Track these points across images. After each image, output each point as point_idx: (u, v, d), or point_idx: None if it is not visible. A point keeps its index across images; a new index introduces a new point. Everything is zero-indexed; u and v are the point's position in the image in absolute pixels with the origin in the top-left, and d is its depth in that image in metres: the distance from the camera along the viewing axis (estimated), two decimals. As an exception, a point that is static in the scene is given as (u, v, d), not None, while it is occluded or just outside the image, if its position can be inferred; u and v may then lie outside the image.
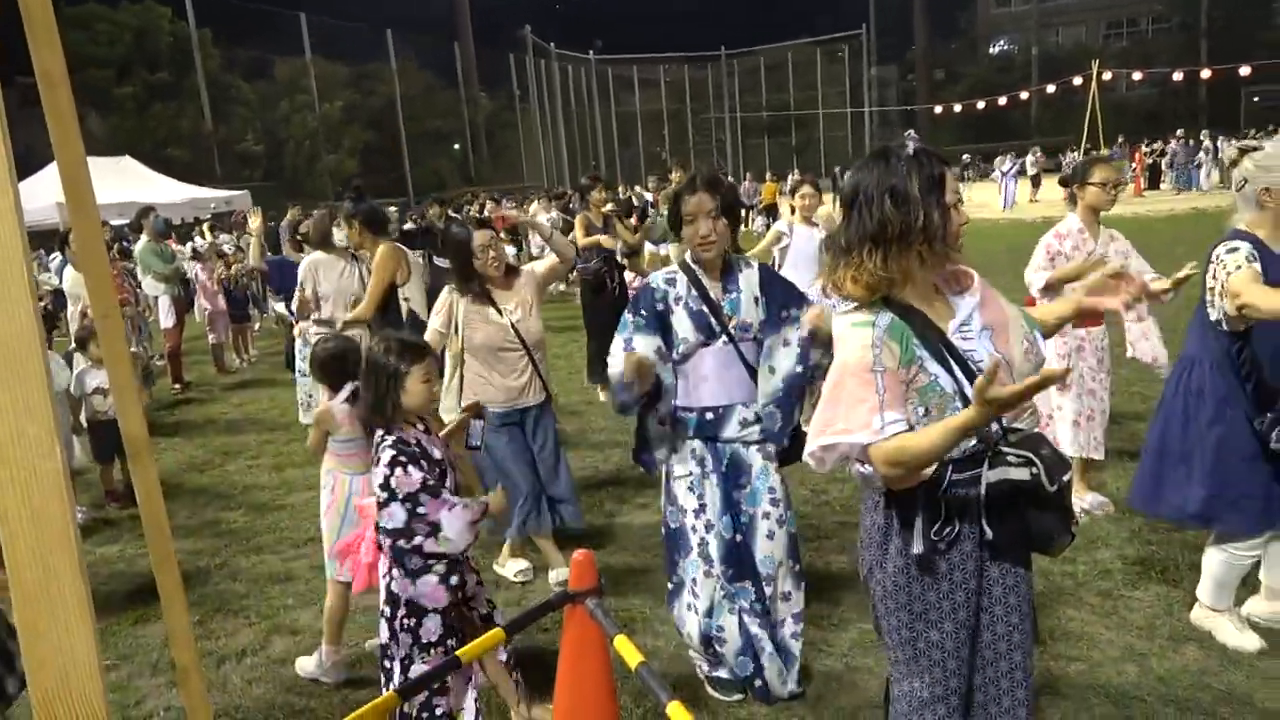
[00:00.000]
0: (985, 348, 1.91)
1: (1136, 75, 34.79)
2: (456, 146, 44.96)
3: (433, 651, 2.66)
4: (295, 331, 6.36)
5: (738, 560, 2.99)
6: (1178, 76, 32.45)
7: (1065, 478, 1.80)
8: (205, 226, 15.80)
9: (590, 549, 2.36)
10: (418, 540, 2.59)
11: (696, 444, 3.00)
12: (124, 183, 18.71)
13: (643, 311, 2.96)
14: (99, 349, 5.55)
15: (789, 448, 2.98)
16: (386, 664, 2.71)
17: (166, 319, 9.52)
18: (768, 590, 3.00)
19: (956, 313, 1.94)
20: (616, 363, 2.93)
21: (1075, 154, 27.86)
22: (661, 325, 2.95)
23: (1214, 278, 2.96)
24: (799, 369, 2.93)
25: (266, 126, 34.08)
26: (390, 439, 2.63)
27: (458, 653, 2.11)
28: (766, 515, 2.99)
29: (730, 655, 3.03)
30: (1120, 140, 29.98)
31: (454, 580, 2.67)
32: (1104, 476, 4.75)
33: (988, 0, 54.64)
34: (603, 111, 52.88)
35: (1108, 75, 30.79)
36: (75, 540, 0.87)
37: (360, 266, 5.46)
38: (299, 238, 7.02)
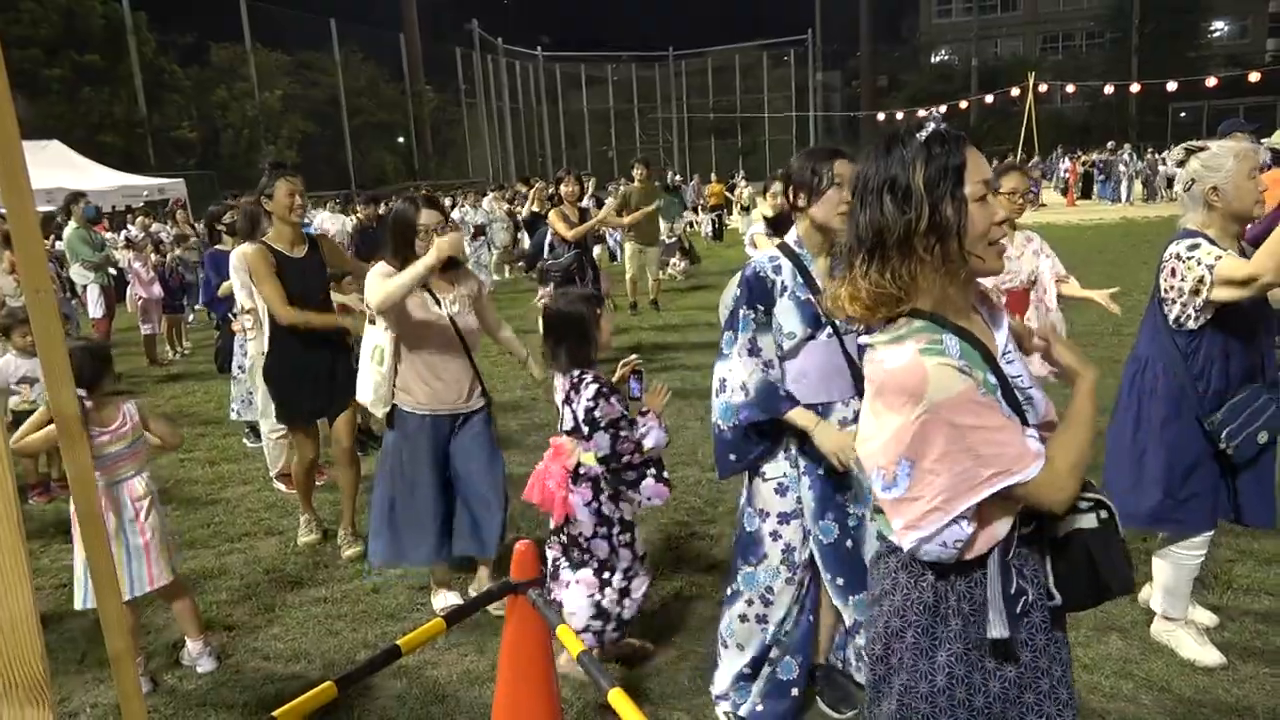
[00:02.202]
0: (1024, 370, 1.65)
1: (1070, 88, 35.87)
2: (401, 140, 44.35)
3: (647, 560, 3.28)
4: (235, 327, 6.19)
5: (849, 566, 2.69)
6: (1109, 90, 33.51)
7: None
8: (140, 220, 15.37)
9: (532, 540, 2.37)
10: (626, 458, 3.03)
11: (792, 444, 2.70)
12: (52, 168, 18.07)
13: (759, 305, 2.62)
14: (23, 338, 5.36)
15: None
16: (605, 575, 3.13)
17: (95, 309, 9.24)
18: (848, 596, 2.75)
19: (995, 333, 1.64)
20: (749, 376, 2.59)
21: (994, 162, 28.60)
22: (771, 317, 2.65)
23: (1174, 275, 2.91)
24: None
25: (203, 114, 33.20)
26: (590, 375, 3.05)
27: (398, 641, 2.10)
28: (873, 517, 2.74)
29: (793, 658, 2.81)
30: (1058, 150, 30.88)
31: (665, 474, 3.14)
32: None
33: (930, 11, 55.77)
34: (550, 109, 52.66)
35: (1043, 87, 31.69)
36: (12, 500, 0.86)
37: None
38: (221, 228, 6.77)
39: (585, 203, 7.64)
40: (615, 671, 3.27)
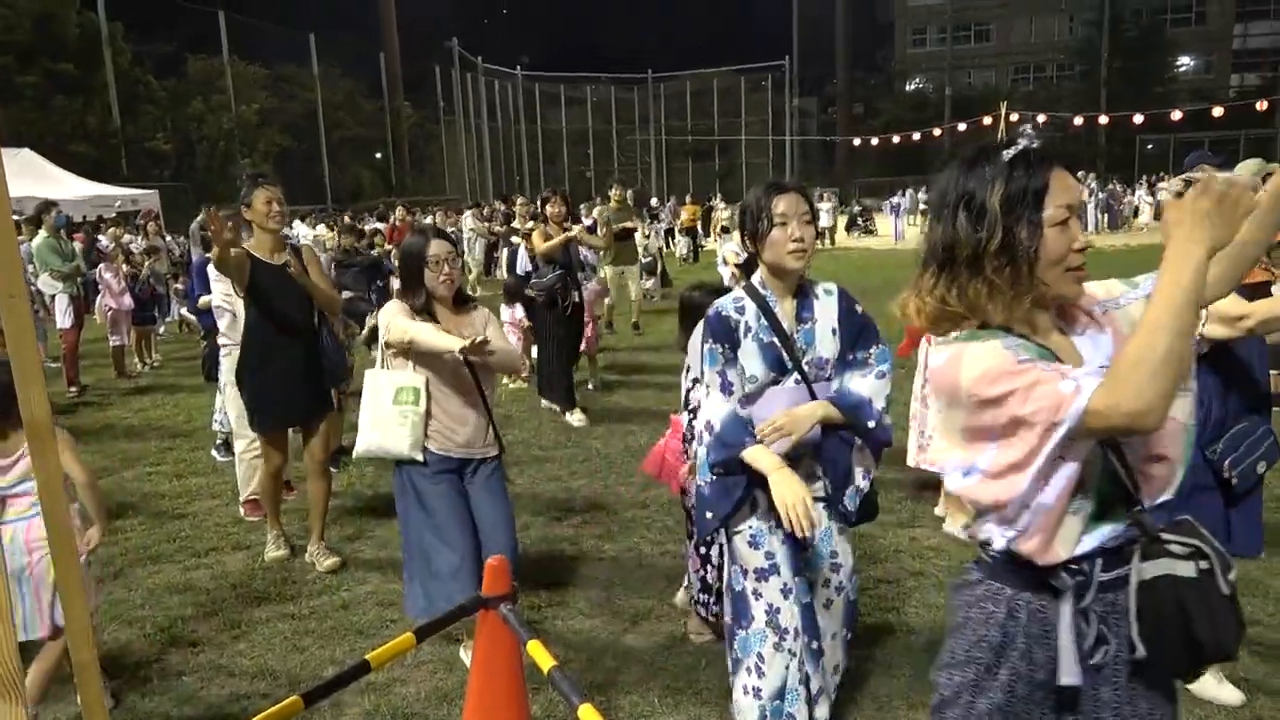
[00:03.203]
0: None
1: (1041, 118, 36.50)
2: (379, 156, 44.23)
3: None
4: (221, 339, 6.13)
5: (812, 630, 2.53)
6: (1079, 121, 34.11)
7: (1233, 575, 1.46)
8: (111, 230, 15.20)
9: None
10: None
11: (759, 496, 2.50)
12: (23, 177, 17.84)
13: (725, 344, 2.48)
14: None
15: (860, 508, 2.60)
16: (703, 551, 3.27)
17: (64, 319, 9.10)
18: (819, 663, 2.59)
19: (1084, 354, 1.53)
20: (717, 411, 2.46)
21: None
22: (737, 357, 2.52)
23: None
24: (871, 408, 2.49)
25: (178, 126, 32.93)
26: None
27: (367, 656, 2.08)
28: (826, 583, 2.62)
29: None
30: None
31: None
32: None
33: (905, 40, 56.67)
34: (528, 128, 52.75)
35: (1015, 117, 32.20)
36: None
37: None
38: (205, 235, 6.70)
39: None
40: (587, 683, 3.25)
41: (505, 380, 8.45)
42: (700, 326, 2.59)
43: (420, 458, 3.33)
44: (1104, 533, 1.48)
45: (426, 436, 3.34)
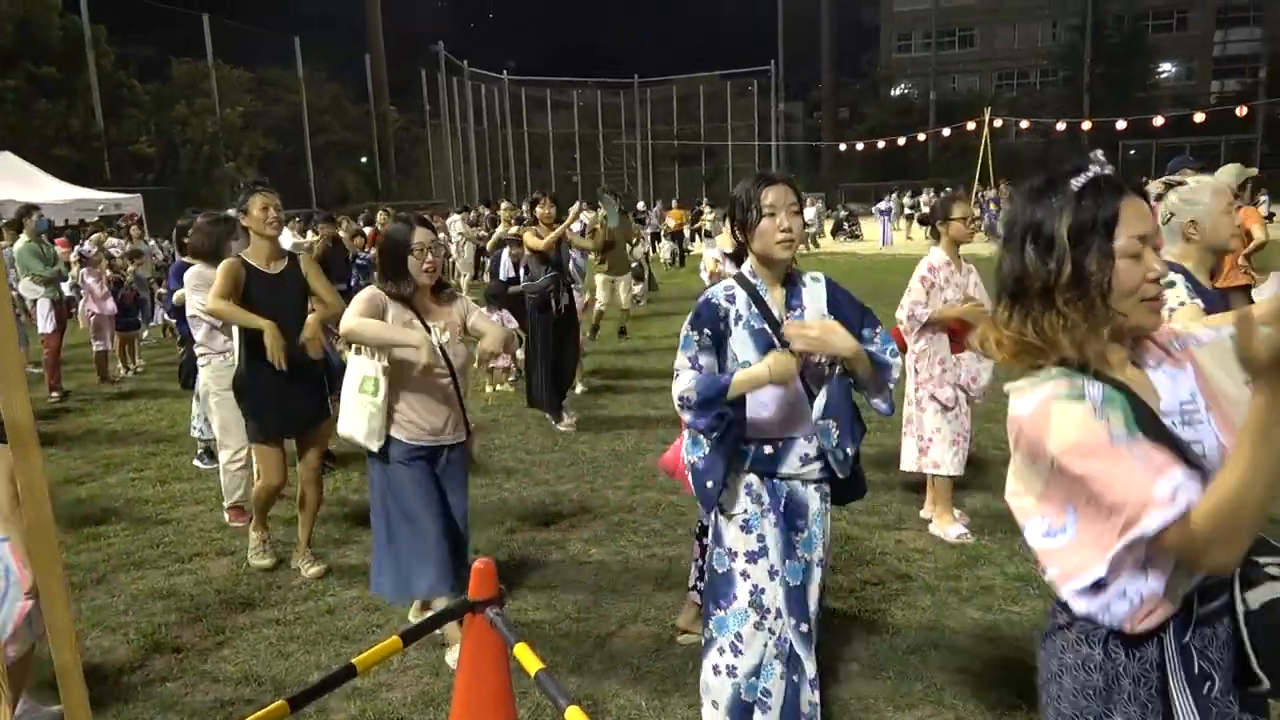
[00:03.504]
0: (1212, 434, 1.46)
1: (1024, 124, 36.78)
2: (364, 160, 44.10)
3: None
4: (198, 348, 6.08)
5: (802, 612, 2.58)
6: (1061, 126, 34.40)
7: None
8: (96, 235, 15.09)
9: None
10: None
11: (752, 479, 2.59)
12: (4, 180, 17.68)
13: (706, 330, 2.55)
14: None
15: (849, 481, 2.65)
16: (705, 541, 3.07)
17: (45, 324, 9.03)
18: (811, 645, 2.63)
19: (1161, 391, 1.48)
20: (686, 382, 2.51)
21: (929, 194, 29.34)
22: (718, 347, 2.57)
23: None
24: (847, 386, 2.56)
25: (162, 129, 32.71)
26: None
27: (354, 660, 2.08)
28: (820, 563, 2.65)
29: None
30: (1001, 185, 31.54)
31: None
32: (974, 502, 4.99)
33: (890, 45, 56.99)
34: (515, 132, 52.75)
35: (998, 122, 32.44)
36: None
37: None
38: (187, 241, 6.60)
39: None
40: (574, 686, 3.25)
41: (489, 386, 8.46)
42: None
43: (374, 448, 3.39)
44: (1200, 573, 1.41)
45: (394, 424, 3.40)
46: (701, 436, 2.54)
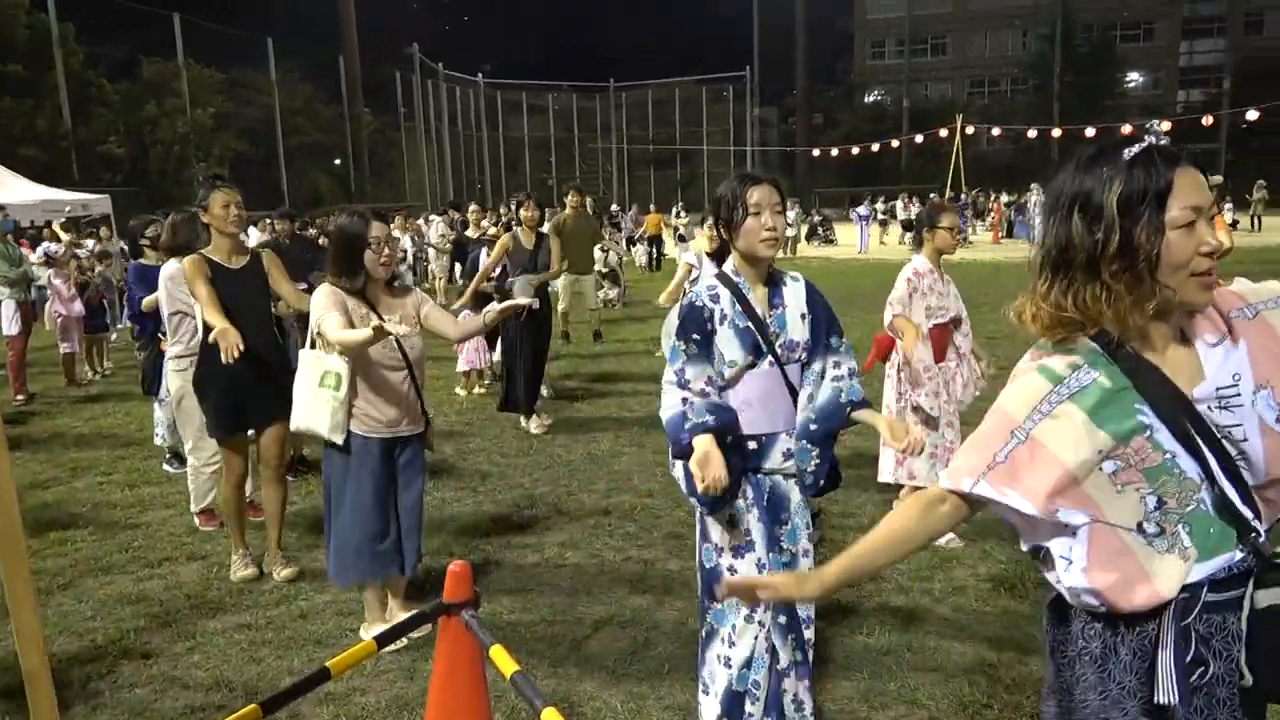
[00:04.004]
0: (1265, 416, 1.40)
1: (995, 131, 37.25)
2: (338, 162, 43.76)
3: None
4: (165, 347, 5.99)
5: (788, 606, 2.63)
6: (1032, 134, 34.86)
7: None
8: (57, 226, 14.85)
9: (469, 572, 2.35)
10: None
11: (737, 476, 2.61)
12: (-33, 180, 17.36)
13: (695, 336, 2.57)
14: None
15: (828, 477, 2.68)
16: None
17: (10, 326, 8.88)
18: (807, 636, 2.72)
19: (1209, 369, 1.43)
20: (674, 404, 2.54)
21: (905, 199, 29.69)
22: (707, 348, 2.60)
23: None
24: (838, 402, 2.60)
25: (131, 129, 32.28)
26: None
27: (328, 664, 2.06)
28: (806, 553, 2.70)
29: (758, 716, 2.67)
30: (975, 190, 31.94)
31: None
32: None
33: (864, 53, 57.49)
34: (490, 135, 52.63)
35: (970, 129, 32.85)
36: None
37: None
38: (144, 242, 6.50)
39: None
40: (550, 690, 3.24)
41: (463, 390, 8.42)
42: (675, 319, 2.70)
43: (339, 441, 3.47)
44: (1216, 563, 1.41)
45: (351, 418, 3.47)
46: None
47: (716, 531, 2.67)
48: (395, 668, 3.46)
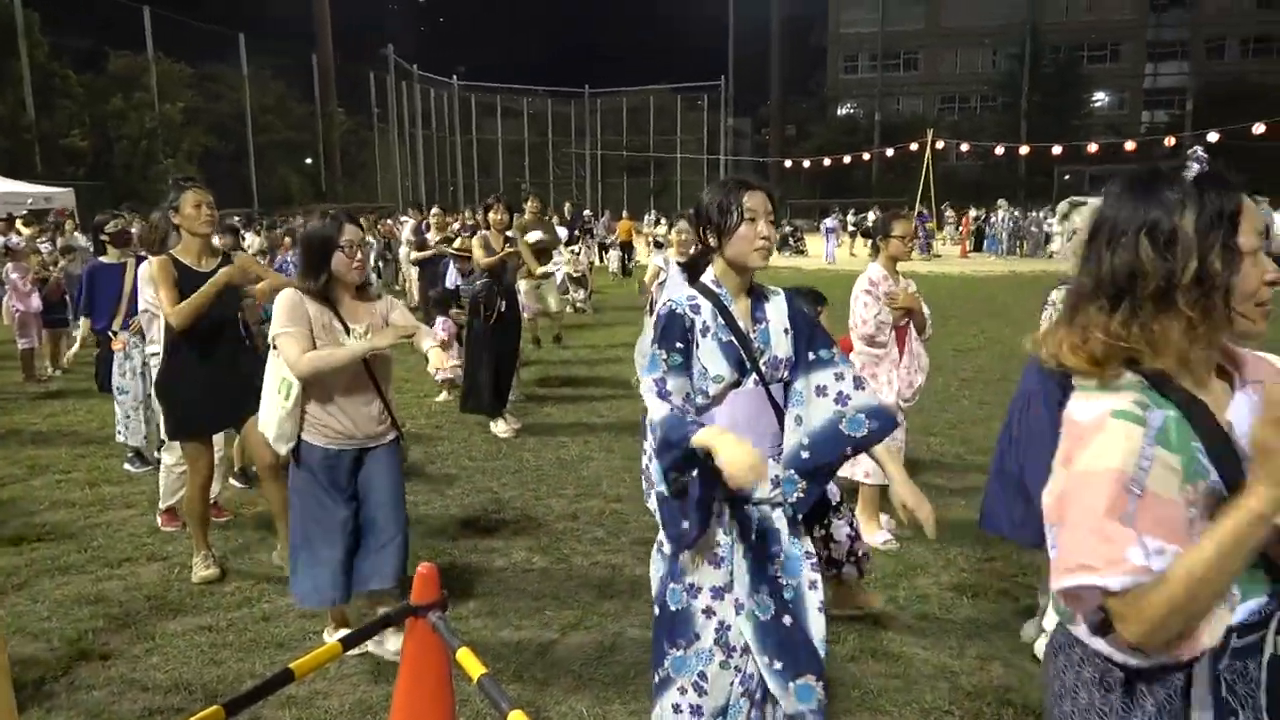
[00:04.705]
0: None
1: (964, 146, 37.78)
2: (309, 161, 43.33)
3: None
4: (115, 345, 5.92)
5: (790, 646, 2.33)
6: (1000, 150, 35.38)
7: None
8: (19, 222, 14.57)
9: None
10: None
11: (725, 506, 2.39)
12: (-75, 169, 16.99)
13: (677, 344, 2.34)
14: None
15: (813, 509, 2.44)
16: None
17: (-32, 320, 8.69)
18: (790, 682, 2.35)
19: (1235, 417, 1.38)
20: (654, 414, 2.26)
21: (877, 211, 30.10)
22: (687, 360, 2.37)
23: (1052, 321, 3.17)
24: (837, 430, 2.35)
25: (96, 122, 31.72)
26: None
27: (291, 665, 2.04)
28: (814, 585, 2.41)
29: None
30: (944, 205, 32.40)
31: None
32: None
33: (837, 66, 58.00)
34: (464, 137, 52.42)
35: (940, 144, 33.27)
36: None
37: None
38: (105, 239, 6.39)
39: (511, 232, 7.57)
40: (516, 694, 3.24)
41: (447, 394, 8.37)
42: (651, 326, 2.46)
43: (283, 451, 3.39)
44: (1249, 607, 1.36)
45: (310, 429, 3.37)
46: (663, 478, 2.32)
47: (693, 571, 2.40)
48: (360, 671, 3.43)
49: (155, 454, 6.08)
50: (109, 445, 6.70)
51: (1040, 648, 3.45)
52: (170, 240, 4.70)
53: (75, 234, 13.52)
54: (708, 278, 2.47)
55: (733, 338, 2.38)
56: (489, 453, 6.54)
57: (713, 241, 2.42)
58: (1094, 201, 3.13)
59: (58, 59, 30.58)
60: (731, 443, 2.11)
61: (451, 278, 8.20)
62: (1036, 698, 3.23)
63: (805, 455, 2.35)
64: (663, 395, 2.30)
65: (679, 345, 2.35)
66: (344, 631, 3.64)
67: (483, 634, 3.76)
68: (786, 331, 2.46)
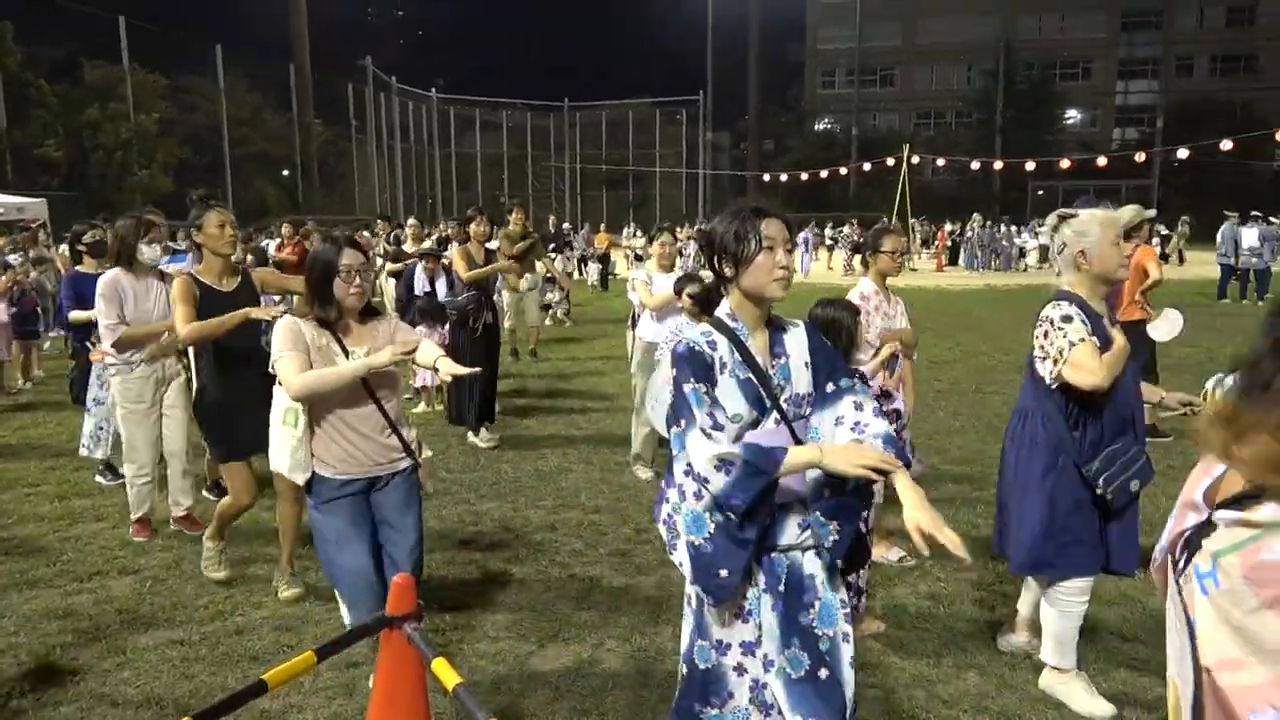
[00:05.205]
0: None
1: (940, 162, 38.20)
2: (286, 173, 43.08)
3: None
4: (94, 356, 5.85)
5: (825, 702, 2.21)
6: (975, 165, 35.77)
7: None
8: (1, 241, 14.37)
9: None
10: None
11: (749, 562, 2.24)
12: (-106, 179, 16.72)
13: (706, 382, 2.21)
14: None
15: (852, 551, 2.28)
16: None
17: (-63, 331, 8.56)
18: None
19: None
20: (725, 448, 2.13)
21: (852, 225, 30.46)
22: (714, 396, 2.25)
23: (1046, 337, 3.13)
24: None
25: (71, 132, 31.39)
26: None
27: (264, 676, 2.02)
28: (847, 637, 2.31)
29: None
30: (915, 220, 32.74)
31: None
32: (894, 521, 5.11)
33: (814, 82, 58.54)
34: (442, 150, 52.33)
35: (916, 159, 33.59)
36: None
37: (168, 288, 5.08)
38: (82, 249, 6.33)
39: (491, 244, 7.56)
40: (493, 705, 3.21)
41: (426, 406, 8.33)
42: (669, 366, 2.30)
43: (301, 480, 3.24)
44: None
45: (317, 459, 3.21)
46: (720, 514, 2.17)
47: (720, 627, 2.28)
48: (334, 684, 3.40)
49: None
50: (79, 458, 6.60)
51: (1045, 682, 3.35)
52: (146, 246, 4.67)
53: (44, 246, 13.36)
54: (723, 311, 2.33)
55: (751, 375, 2.25)
56: (467, 464, 6.51)
57: (728, 271, 2.28)
58: (1084, 213, 3.18)
59: (31, 68, 30.30)
60: (836, 449, 2.12)
61: (420, 283, 8.17)
62: (1013, 704, 3.26)
63: (826, 493, 2.23)
64: (719, 427, 2.18)
65: (707, 383, 2.22)
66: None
67: (460, 645, 3.74)
68: (807, 365, 2.34)
